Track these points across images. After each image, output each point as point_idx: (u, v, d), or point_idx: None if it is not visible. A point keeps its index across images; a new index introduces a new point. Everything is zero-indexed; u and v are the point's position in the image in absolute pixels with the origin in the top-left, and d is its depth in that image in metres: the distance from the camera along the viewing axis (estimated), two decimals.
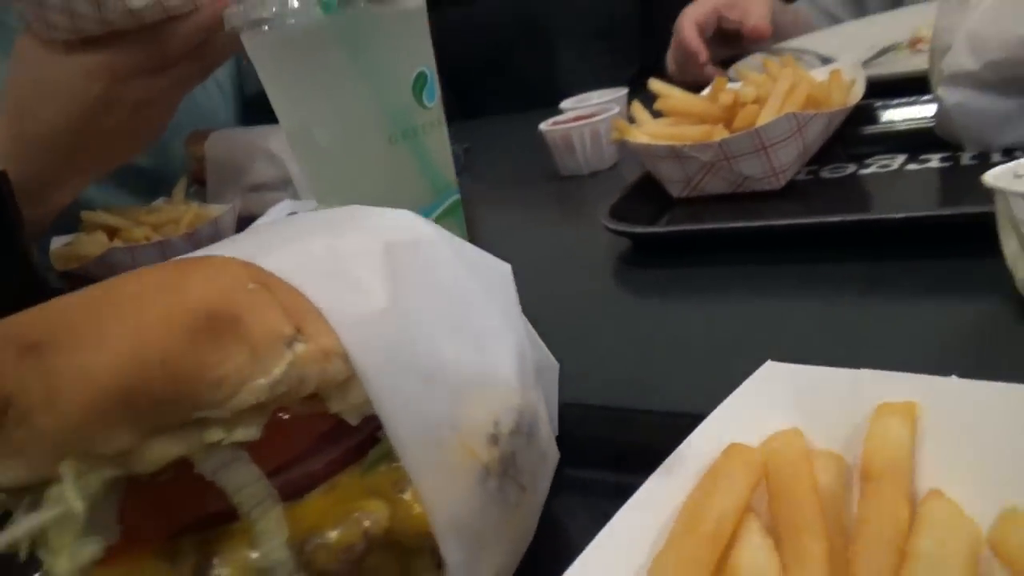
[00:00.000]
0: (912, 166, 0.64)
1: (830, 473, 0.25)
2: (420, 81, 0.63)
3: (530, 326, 0.32)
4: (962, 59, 0.58)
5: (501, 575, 0.26)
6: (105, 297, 0.22)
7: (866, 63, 0.86)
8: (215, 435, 0.21)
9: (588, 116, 0.92)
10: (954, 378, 0.25)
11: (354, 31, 0.58)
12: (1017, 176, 0.40)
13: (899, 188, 0.61)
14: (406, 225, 0.28)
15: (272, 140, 1.03)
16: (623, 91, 1.05)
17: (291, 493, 0.23)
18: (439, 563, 0.25)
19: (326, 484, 0.24)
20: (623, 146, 0.77)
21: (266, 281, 0.22)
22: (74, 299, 0.22)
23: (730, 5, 1.15)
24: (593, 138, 0.91)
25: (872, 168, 0.66)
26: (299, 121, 0.61)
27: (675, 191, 0.70)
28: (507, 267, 0.30)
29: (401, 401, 0.23)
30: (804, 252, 0.53)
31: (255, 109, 1.35)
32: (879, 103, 0.75)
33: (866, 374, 0.26)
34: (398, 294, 0.24)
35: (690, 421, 0.27)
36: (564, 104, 1.07)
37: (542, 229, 0.82)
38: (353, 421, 0.23)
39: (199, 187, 1.13)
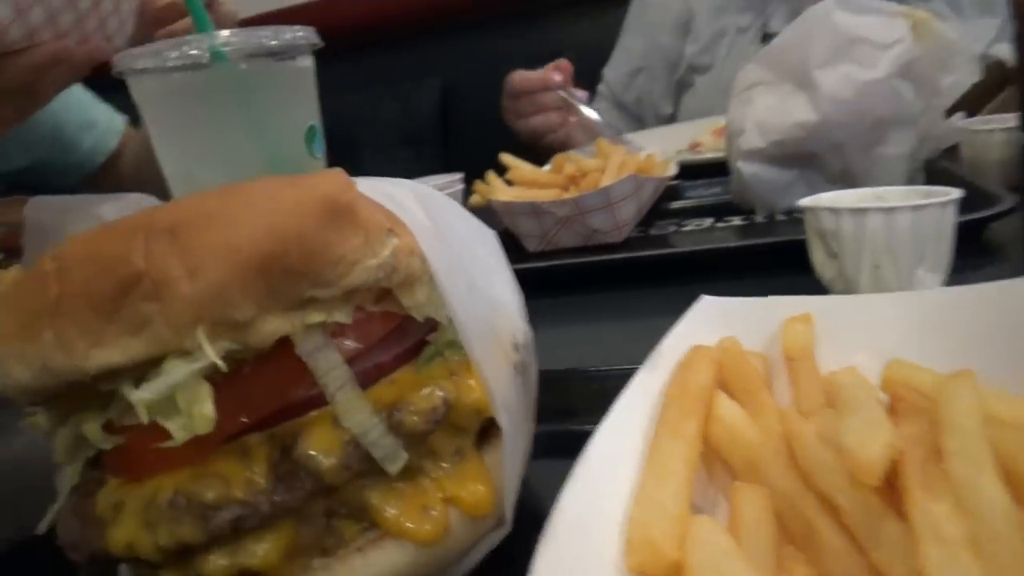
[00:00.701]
0: (720, 224, 0.79)
1: (759, 363, 0.33)
2: (311, 133, 0.67)
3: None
4: (753, 139, 0.75)
5: (526, 454, 0.30)
6: (233, 193, 0.24)
7: None
8: (317, 316, 0.25)
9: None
10: (832, 295, 0.35)
11: (246, 83, 0.61)
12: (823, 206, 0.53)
13: (712, 238, 0.76)
14: (419, 185, 0.33)
15: (106, 207, 0.98)
16: (458, 175, 1.15)
17: (362, 382, 0.26)
18: (479, 444, 0.29)
19: (388, 377, 0.27)
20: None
21: (358, 190, 0.26)
22: (202, 196, 0.25)
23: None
24: None
25: (689, 228, 0.81)
26: (184, 168, 0.62)
27: (531, 245, 0.79)
28: (493, 231, 0.36)
29: (461, 299, 0.27)
30: (644, 282, 0.64)
31: None
32: (688, 182, 0.92)
33: (773, 300, 0.36)
34: (435, 221, 0.29)
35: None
36: None
37: None
38: (419, 317, 0.27)
39: (6, 256, 1.03)
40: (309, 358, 0.25)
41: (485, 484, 0.28)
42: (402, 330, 0.28)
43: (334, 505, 0.26)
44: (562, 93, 1.28)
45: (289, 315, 0.24)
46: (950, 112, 0.76)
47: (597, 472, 0.25)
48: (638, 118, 1.59)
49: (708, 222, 0.81)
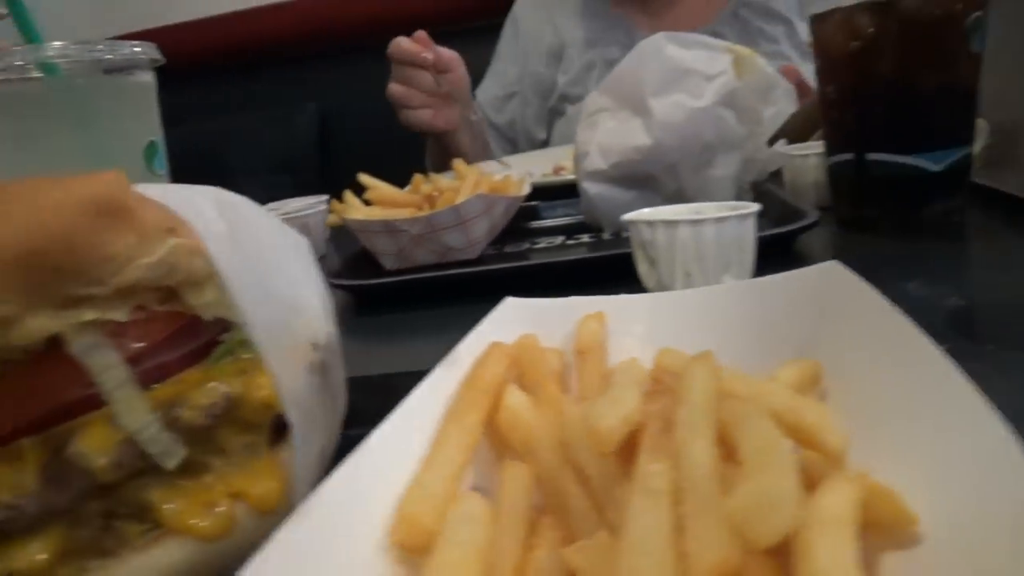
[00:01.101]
0: (570, 242, 0.83)
1: (556, 358, 0.36)
2: (151, 150, 0.66)
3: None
4: (596, 161, 0.79)
5: (325, 451, 0.31)
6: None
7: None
8: (90, 314, 0.25)
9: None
10: (624, 295, 0.38)
11: (81, 97, 0.60)
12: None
13: (560, 254, 0.80)
14: (226, 193, 0.34)
15: None
16: (323, 197, 1.14)
17: (144, 381, 0.27)
18: (273, 442, 0.30)
19: (175, 377, 0.28)
20: (331, 237, 0.86)
21: (139, 192, 0.27)
22: None
23: None
24: (303, 229, 0.98)
25: (542, 245, 0.84)
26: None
27: (388, 263, 0.81)
28: (304, 238, 0.37)
29: (251, 298, 0.28)
30: (495, 295, 0.67)
31: None
32: (546, 203, 0.96)
33: (573, 300, 0.38)
34: (232, 226, 0.30)
35: None
36: (267, 207, 1.13)
37: None
38: (208, 316, 0.28)
39: None
40: (83, 357, 0.25)
41: (276, 480, 0.28)
42: (191, 330, 0.28)
43: (113, 505, 0.26)
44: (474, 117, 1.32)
45: (59, 313, 0.24)
46: (775, 140, 0.84)
47: (373, 460, 0.26)
48: (511, 140, 1.64)
49: (560, 240, 0.85)
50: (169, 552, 0.26)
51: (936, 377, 0.25)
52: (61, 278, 0.24)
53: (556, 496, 0.27)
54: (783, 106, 0.82)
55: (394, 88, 1.35)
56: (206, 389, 0.27)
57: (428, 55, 1.29)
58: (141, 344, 0.27)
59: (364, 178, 0.87)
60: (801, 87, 1.10)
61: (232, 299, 0.27)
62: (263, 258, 0.31)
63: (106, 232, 0.24)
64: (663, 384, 0.29)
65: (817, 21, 0.70)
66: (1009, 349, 0.41)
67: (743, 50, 0.80)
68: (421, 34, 1.31)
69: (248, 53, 2.25)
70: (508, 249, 0.84)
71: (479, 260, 0.79)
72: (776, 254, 0.63)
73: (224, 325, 0.29)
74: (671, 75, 0.77)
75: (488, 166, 1.26)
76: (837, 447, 0.25)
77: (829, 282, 0.33)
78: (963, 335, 0.44)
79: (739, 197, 0.82)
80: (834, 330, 0.32)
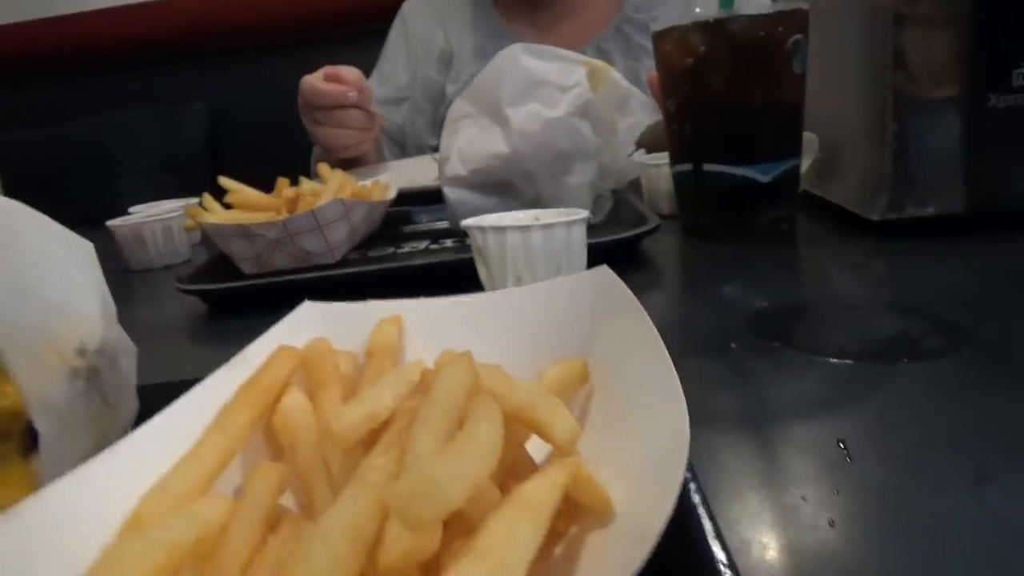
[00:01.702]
0: (434, 246, 0.84)
1: (348, 361, 0.36)
2: None
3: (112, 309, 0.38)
4: (456, 167, 0.80)
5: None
6: None
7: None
8: None
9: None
10: (422, 299, 0.39)
11: None
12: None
13: (423, 258, 0.80)
14: None
15: None
16: (195, 199, 1.11)
17: None
18: (26, 451, 0.29)
19: None
20: (198, 241, 0.84)
21: None
22: None
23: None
24: (165, 232, 0.96)
25: (406, 249, 0.84)
26: None
27: (247, 268, 0.79)
28: (90, 244, 0.36)
29: None
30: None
31: None
32: (418, 208, 0.97)
33: (373, 304, 0.39)
34: None
35: None
36: (132, 209, 1.09)
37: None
38: None
39: None
40: None
41: (26, 489, 0.28)
42: None
43: None
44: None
45: None
46: (636, 150, 0.87)
47: (115, 463, 0.26)
48: (400, 145, 1.62)
49: (424, 244, 0.85)
50: None
51: (656, 375, 0.27)
52: None
53: (307, 494, 0.27)
54: (640, 117, 0.85)
55: (327, 135, 1.23)
56: None
57: (352, 93, 1.19)
58: None
59: (224, 181, 0.86)
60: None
61: None
62: (22, 259, 0.30)
63: None
64: (425, 382, 0.30)
65: (659, 38, 0.74)
66: (790, 347, 0.45)
67: (598, 63, 0.83)
68: (330, 70, 1.21)
69: (136, 49, 2.17)
70: (372, 254, 0.84)
71: (340, 264, 0.79)
72: (623, 259, 0.67)
73: None
74: (527, 85, 0.79)
75: (421, 162, 1.24)
76: (564, 439, 0.26)
77: (599, 285, 0.35)
78: (754, 333, 0.47)
79: (599, 204, 0.85)
80: (599, 330, 0.34)
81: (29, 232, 0.32)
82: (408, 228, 0.96)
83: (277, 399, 0.33)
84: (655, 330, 0.30)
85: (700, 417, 0.25)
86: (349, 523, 0.20)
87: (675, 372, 0.27)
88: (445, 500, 0.19)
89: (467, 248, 0.82)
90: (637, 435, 0.26)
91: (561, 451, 0.27)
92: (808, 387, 0.39)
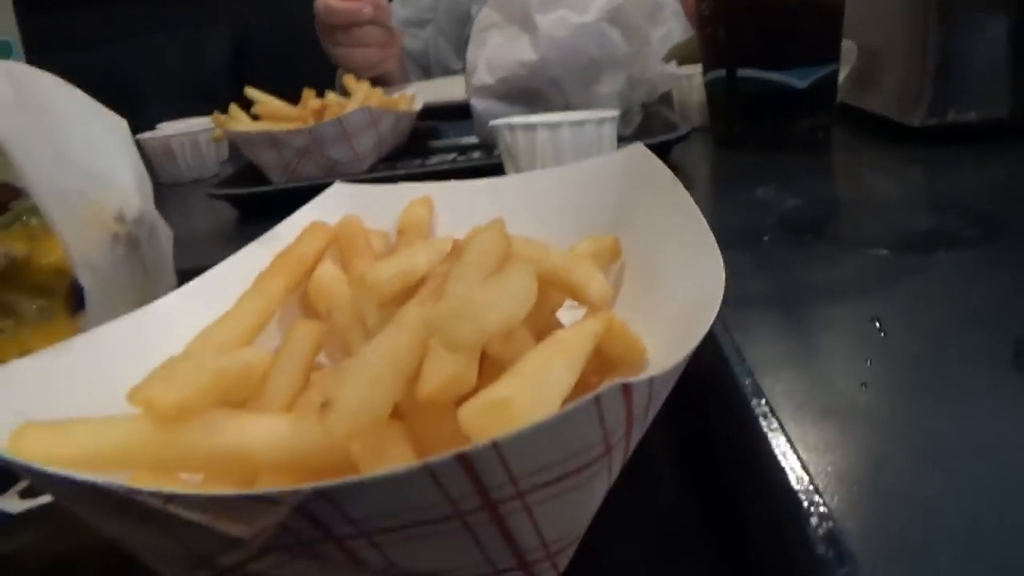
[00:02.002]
0: (461, 158, 0.83)
1: (379, 239, 0.37)
2: (4, 49, 0.63)
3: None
4: (483, 76, 0.79)
5: None
6: None
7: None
8: None
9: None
10: (453, 181, 0.39)
11: None
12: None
13: (452, 172, 0.80)
14: (20, 65, 0.33)
15: None
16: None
17: None
18: (73, 310, 0.30)
19: None
20: (226, 157, 0.84)
21: None
22: None
23: None
24: (193, 146, 0.96)
25: (433, 162, 0.84)
26: None
27: (274, 177, 0.79)
28: (123, 120, 0.37)
29: (38, 164, 0.28)
30: None
31: None
32: (447, 123, 0.96)
33: (403, 185, 0.39)
34: (20, 93, 0.29)
35: None
36: (161, 125, 1.09)
37: None
38: None
39: None
40: None
41: None
42: None
43: None
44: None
45: None
46: (667, 61, 0.85)
47: (157, 317, 0.27)
48: (424, 68, 1.60)
49: (451, 157, 0.85)
50: None
51: (691, 240, 0.27)
52: None
53: (343, 351, 0.28)
54: (672, 26, 0.83)
55: (349, 55, 1.20)
56: None
57: (367, 8, 1.16)
58: None
59: (251, 92, 0.85)
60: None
61: (15, 162, 0.27)
62: (60, 127, 0.30)
63: None
64: (458, 250, 0.30)
65: None
66: (823, 240, 0.44)
67: None
68: None
69: None
70: (400, 167, 0.84)
71: (364, 173, 0.79)
72: None
73: (14, 192, 0.29)
74: None
75: (448, 81, 1.21)
76: (598, 297, 0.27)
77: (633, 163, 0.35)
78: (786, 229, 0.46)
79: (628, 117, 0.83)
80: (631, 207, 0.34)
81: (67, 104, 0.32)
82: (435, 143, 0.96)
83: (310, 271, 0.33)
84: (690, 198, 0.30)
85: (731, 300, 0.24)
86: (389, 352, 0.21)
87: (711, 233, 0.27)
88: (483, 323, 0.19)
89: (496, 158, 0.82)
90: (671, 295, 0.26)
91: (595, 310, 0.27)
92: (842, 273, 0.39)
